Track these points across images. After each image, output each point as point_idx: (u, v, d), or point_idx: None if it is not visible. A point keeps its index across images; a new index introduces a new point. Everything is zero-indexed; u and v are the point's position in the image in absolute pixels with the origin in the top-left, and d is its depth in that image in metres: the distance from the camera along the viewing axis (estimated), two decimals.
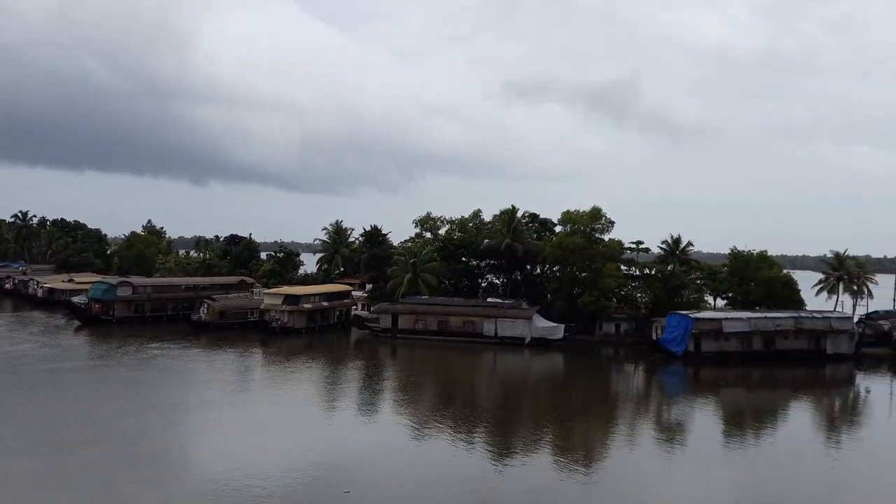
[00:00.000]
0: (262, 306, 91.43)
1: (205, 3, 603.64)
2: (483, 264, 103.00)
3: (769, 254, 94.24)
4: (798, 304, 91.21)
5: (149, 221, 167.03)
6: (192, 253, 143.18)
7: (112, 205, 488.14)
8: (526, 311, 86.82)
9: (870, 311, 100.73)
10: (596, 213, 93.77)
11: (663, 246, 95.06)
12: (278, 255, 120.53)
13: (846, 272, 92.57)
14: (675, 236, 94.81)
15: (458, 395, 61.29)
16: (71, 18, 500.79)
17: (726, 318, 78.79)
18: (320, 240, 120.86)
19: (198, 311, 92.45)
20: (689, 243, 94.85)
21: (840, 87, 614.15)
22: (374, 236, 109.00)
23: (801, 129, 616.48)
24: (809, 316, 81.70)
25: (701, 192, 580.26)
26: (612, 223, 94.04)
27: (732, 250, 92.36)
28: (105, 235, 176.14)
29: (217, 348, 77.10)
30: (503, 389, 64.84)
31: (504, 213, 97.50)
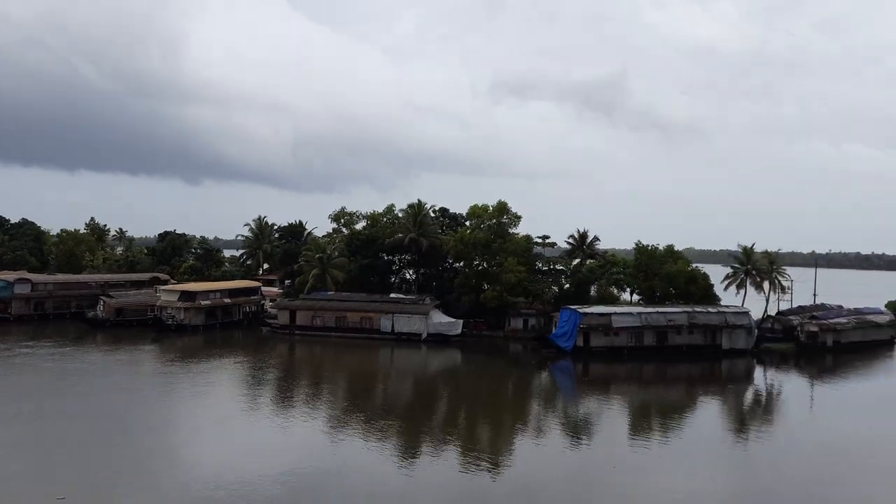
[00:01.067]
0: (158, 303, 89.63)
1: (193, 3, 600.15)
2: (398, 260, 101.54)
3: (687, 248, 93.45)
4: (710, 298, 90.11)
5: (92, 219, 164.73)
6: (119, 250, 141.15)
7: (105, 204, 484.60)
8: (423, 306, 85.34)
9: (805, 305, 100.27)
10: (502, 208, 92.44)
11: (570, 240, 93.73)
12: (197, 250, 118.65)
13: (753, 267, 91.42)
14: (582, 231, 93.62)
15: (344, 393, 59.58)
16: (60, 21, 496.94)
17: (615, 314, 77.50)
18: (242, 235, 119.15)
19: (94, 308, 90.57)
20: (596, 238, 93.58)
21: (831, 86, 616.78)
22: (292, 232, 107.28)
23: (793, 128, 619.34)
24: (704, 311, 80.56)
25: (693, 191, 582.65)
26: (518, 217, 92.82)
27: (637, 244, 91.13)
28: (46, 232, 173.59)
29: (94, 347, 75.29)
30: (392, 388, 63.39)
31: (411, 207, 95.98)
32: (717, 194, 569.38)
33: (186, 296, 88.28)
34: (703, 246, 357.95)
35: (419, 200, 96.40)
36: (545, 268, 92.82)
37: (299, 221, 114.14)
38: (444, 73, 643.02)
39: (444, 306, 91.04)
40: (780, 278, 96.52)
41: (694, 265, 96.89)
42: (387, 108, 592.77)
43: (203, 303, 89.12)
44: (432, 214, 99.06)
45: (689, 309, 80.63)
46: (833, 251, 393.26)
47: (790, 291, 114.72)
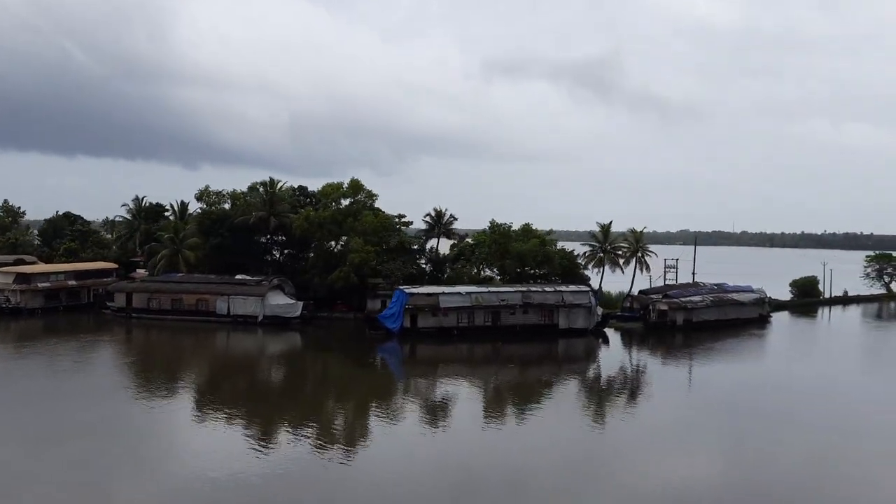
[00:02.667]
0: None
1: None
2: (268, 240, 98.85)
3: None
4: (575, 277, 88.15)
5: (5, 201, 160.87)
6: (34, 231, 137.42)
7: (103, 190, 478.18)
8: (259, 287, 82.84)
9: (673, 283, 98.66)
10: (356, 186, 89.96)
11: (427, 220, 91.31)
12: (73, 230, 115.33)
13: (610, 245, 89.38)
14: (439, 209, 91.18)
15: (140, 379, 57.07)
16: (46, 2, 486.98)
17: (443, 293, 75.27)
18: (120, 216, 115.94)
19: None
20: (452, 216, 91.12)
21: (831, 63, 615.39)
22: (151, 212, 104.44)
23: (792, 107, 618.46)
24: (540, 290, 78.48)
25: (692, 171, 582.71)
26: (374, 196, 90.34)
27: (491, 222, 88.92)
28: None
29: None
30: (211, 372, 61.37)
31: (262, 184, 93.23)
32: (715, 175, 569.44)
33: (22, 278, 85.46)
34: (699, 227, 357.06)
35: (270, 178, 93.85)
36: (409, 247, 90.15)
37: (157, 203, 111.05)
38: (440, 54, 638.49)
39: (303, 287, 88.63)
40: (645, 257, 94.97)
41: (563, 245, 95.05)
42: (384, 90, 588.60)
43: (41, 285, 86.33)
44: (293, 193, 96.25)
45: (523, 288, 78.56)
46: (830, 231, 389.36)
47: (675, 270, 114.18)
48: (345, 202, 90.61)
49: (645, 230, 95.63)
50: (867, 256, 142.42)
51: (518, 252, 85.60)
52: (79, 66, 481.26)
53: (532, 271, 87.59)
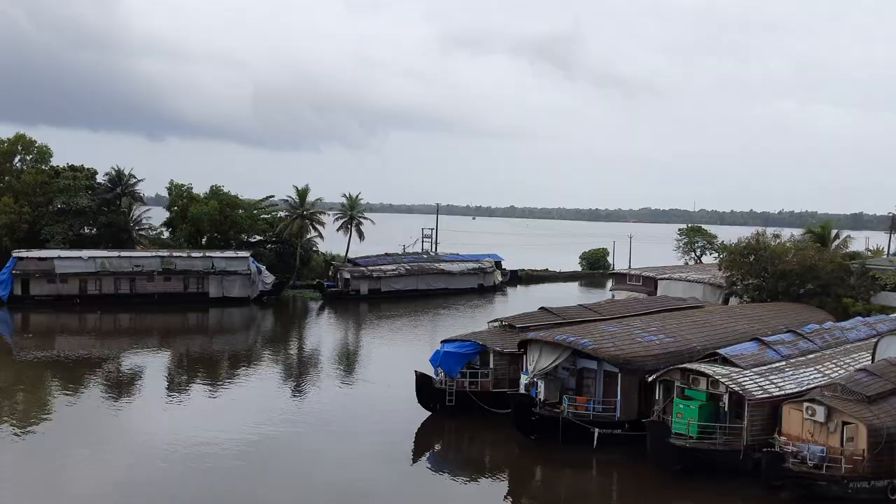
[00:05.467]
0: None
1: None
2: None
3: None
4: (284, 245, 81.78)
5: None
6: None
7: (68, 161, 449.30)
8: None
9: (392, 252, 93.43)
10: (20, 141, 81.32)
11: (106, 180, 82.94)
12: None
13: (306, 210, 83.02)
14: (119, 168, 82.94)
15: None
16: None
17: (59, 258, 67.61)
18: None
19: None
20: (133, 176, 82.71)
21: (794, 44, 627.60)
22: None
23: (757, 86, 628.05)
24: (185, 256, 71.56)
25: (656, 149, 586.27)
26: (48, 153, 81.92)
27: (212, 187, 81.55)
28: None
29: None
30: None
31: None
32: (678, 153, 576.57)
33: None
34: (658, 205, 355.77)
35: None
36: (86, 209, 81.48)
37: None
38: (407, 26, 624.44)
39: None
40: (360, 224, 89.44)
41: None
42: (349, 63, 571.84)
43: None
44: None
45: (164, 253, 71.64)
46: (787, 210, 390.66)
47: (430, 241, 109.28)
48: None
49: (596, 208, 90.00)
50: (679, 229, 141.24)
51: (194, 216, 78.64)
52: (27, 35, 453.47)
53: (216, 236, 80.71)
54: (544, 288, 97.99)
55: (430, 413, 34.73)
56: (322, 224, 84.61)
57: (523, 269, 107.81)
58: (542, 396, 31.75)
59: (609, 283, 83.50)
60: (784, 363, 30.70)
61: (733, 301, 50.16)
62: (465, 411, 34.18)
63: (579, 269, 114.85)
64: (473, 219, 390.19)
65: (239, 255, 73.58)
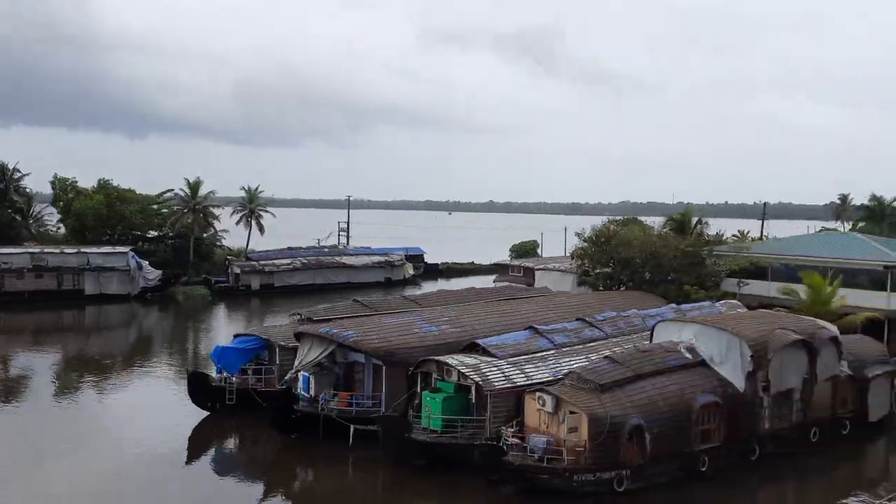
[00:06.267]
0: None
1: None
2: None
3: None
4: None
5: None
6: None
7: (46, 160, 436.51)
8: None
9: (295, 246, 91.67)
10: None
11: None
12: None
13: (198, 204, 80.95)
14: (3, 163, 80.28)
15: None
16: None
17: None
18: None
19: None
20: (18, 171, 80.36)
21: (779, 41, 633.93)
22: None
23: (742, 82, 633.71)
24: (58, 252, 69.43)
25: (639, 144, 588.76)
26: None
27: (100, 181, 79.19)
28: None
29: None
30: None
31: None
32: (658, 148, 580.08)
33: None
34: (638, 199, 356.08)
35: None
36: None
37: None
38: (389, 23, 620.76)
39: None
40: (260, 217, 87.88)
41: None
42: (333, 59, 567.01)
43: None
44: None
45: (36, 250, 69.44)
46: (763, 201, 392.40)
47: (346, 234, 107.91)
48: None
49: (575, 202, 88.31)
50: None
51: (77, 211, 76.42)
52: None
53: (106, 231, 78.44)
54: (460, 280, 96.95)
55: (208, 413, 33.30)
56: (216, 217, 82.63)
57: (446, 263, 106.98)
58: (312, 392, 30.47)
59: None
60: (554, 352, 29.73)
61: (581, 290, 49.33)
62: (250, 409, 32.78)
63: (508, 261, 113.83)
64: (450, 214, 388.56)
65: (117, 251, 71.44)
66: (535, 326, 31.30)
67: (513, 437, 24.61)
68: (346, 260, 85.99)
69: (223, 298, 74.91)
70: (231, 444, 32.57)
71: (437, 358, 27.89)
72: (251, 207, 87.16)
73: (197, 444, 31.53)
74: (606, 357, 26.86)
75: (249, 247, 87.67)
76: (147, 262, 73.49)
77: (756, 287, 44.97)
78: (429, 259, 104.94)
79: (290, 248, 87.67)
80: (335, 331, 30.29)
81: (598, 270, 49.06)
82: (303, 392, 30.53)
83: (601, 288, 48.61)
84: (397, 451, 26.28)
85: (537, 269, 62.28)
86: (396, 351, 29.39)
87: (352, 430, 28.36)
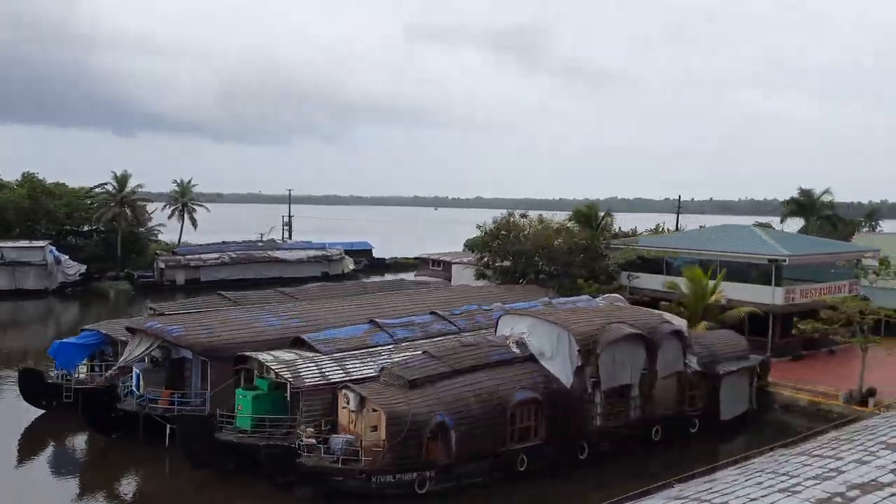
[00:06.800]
0: None
1: None
2: None
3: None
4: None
5: None
6: None
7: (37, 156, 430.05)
8: None
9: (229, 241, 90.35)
10: None
11: None
12: None
13: (124, 198, 79.25)
14: None
15: None
16: None
17: None
18: None
19: None
20: None
21: (760, 36, 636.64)
22: None
23: (724, 77, 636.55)
24: None
25: (625, 139, 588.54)
26: None
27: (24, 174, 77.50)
28: None
29: None
30: None
31: None
32: (648, 143, 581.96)
33: None
34: (625, 195, 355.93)
35: None
36: None
37: None
38: (379, 20, 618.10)
39: None
40: (193, 212, 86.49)
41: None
42: (318, 57, 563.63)
43: None
44: None
45: None
46: (747, 198, 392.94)
47: (289, 228, 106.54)
48: None
49: (562, 198, 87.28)
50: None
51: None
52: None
53: (29, 225, 76.74)
54: (406, 274, 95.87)
55: (43, 411, 32.04)
56: (145, 212, 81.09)
57: (394, 257, 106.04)
58: (142, 389, 29.23)
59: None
60: (392, 347, 28.67)
61: (478, 283, 48.31)
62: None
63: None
64: (436, 209, 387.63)
65: (33, 245, 69.81)
66: (376, 320, 30.21)
67: (308, 437, 23.45)
68: (278, 254, 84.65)
69: (147, 294, 73.34)
70: (49, 444, 31.05)
71: (250, 354, 26.73)
72: (184, 202, 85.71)
73: (25, 444, 30.32)
74: (425, 352, 25.79)
75: (193, 242, 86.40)
76: (67, 257, 71.99)
77: (646, 281, 44.08)
78: (380, 254, 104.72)
79: (223, 243, 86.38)
80: (158, 325, 29.06)
81: (498, 264, 48.03)
82: (134, 389, 29.32)
83: (500, 282, 47.61)
84: (197, 453, 25.06)
85: (454, 264, 61.35)
86: (221, 347, 28.15)
87: (167, 429, 27.17)
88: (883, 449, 15.86)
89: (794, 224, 70.35)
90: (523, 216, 48.55)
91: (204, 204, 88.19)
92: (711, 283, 39.06)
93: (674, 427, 28.88)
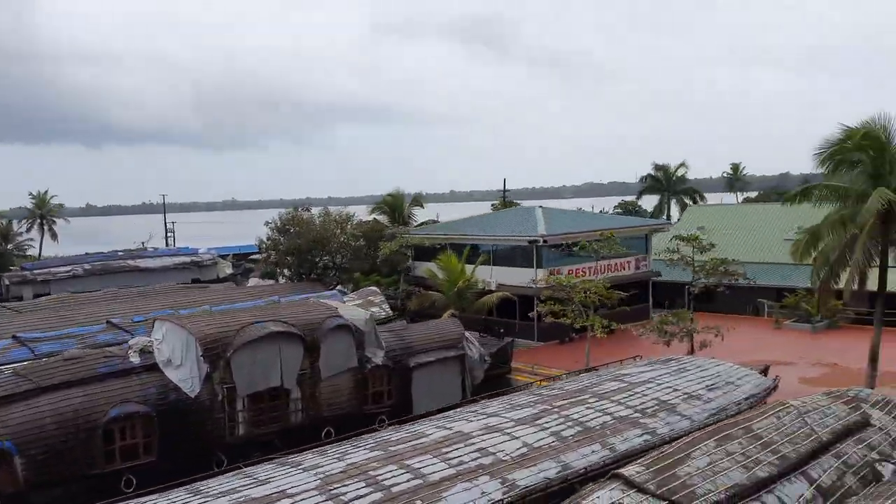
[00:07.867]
0: None
1: None
2: None
3: None
4: None
5: None
6: None
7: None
8: None
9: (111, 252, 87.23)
10: None
11: None
12: None
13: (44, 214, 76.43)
14: None
15: None
16: None
17: None
18: None
19: None
20: None
21: (727, 16, 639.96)
22: None
23: (695, 60, 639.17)
24: None
25: (600, 128, 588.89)
26: None
27: None
28: None
29: None
30: None
31: None
32: (622, 130, 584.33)
33: None
34: (600, 180, 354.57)
35: None
36: None
37: None
38: (343, 17, 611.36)
39: None
40: (53, 224, 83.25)
41: None
42: (285, 58, 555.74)
43: None
44: None
45: None
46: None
47: (173, 235, 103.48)
48: None
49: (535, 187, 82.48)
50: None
51: None
52: None
53: None
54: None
55: None
56: (11, 228, 77.84)
57: None
58: None
59: None
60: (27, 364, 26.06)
61: (257, 281, 45.97)
62: None
63: None
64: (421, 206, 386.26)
65: None
66: (18, 335, 27.61)
67: None
68: (139, 263, 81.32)
69: None
70: None
71: None
72: (41, 214, 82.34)
73: None
74: (12, 370, 23.24)
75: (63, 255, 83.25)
76: None
77: (420, 270, 41.94)
78: None
79: (87, 255, 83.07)
80: None
81: (285, 260, 45.70)
82: None
83: (293, 281, 45.28)
84: None
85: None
86: None
87: None
88: None
89: (651, 201, 68.89)
90: (306, 209, 46.20)
91: (66, 217, 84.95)
92: (469, 268, 37.07)
93: (354, 425, 26.60)
